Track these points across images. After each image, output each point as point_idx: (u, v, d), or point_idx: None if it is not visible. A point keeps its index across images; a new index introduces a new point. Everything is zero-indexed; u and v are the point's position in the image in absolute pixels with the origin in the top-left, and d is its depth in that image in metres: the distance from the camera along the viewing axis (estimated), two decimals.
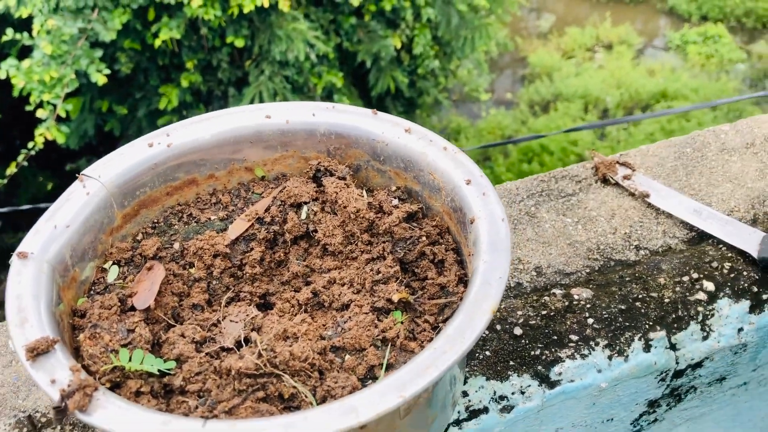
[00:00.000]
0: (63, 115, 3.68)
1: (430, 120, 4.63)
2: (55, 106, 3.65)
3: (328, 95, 4.23)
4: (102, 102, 3.95)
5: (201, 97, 4.03)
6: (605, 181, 0.93)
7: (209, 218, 0.75)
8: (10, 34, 3.55)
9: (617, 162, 0.93)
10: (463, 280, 0.68)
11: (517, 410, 0.73)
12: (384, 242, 0.71)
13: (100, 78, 3.57)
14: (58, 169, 4.52)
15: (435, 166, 0.71)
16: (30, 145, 3.67)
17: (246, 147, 0.77)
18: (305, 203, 0.75)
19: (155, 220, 0.74)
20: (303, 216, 0.75)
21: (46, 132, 3.65)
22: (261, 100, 3.83)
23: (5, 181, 3.70)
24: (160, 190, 0.74)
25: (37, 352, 0.54)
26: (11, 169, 3.71)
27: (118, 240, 0.71)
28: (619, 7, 6.73)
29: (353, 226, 0.72)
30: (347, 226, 0.73)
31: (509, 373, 0.74)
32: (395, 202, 0.74)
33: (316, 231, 0.74)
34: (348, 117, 0.77)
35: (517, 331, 0.77)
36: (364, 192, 0.76)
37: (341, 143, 0.77)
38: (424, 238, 0.70)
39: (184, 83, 3.80)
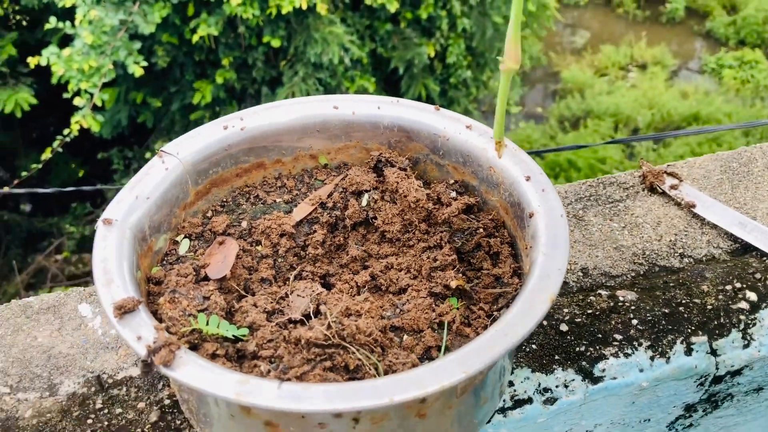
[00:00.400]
0: (99, 104, 3.76)
1: None
2: (92, 95, 3.73)
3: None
4: (137, 93, 4.02)
5: (234, 94, 4.10)
6: (652, 189, 0.95)
7: (275, 200, 0.79)
8: (53, 22, 3.63)
9: (665, 172, 0.95)
10: (518, 273, 0.71)
11: (560, 403, 0.76)
12: (442, 232, 0.74)
13: (137, 70, 3.64)
14: (89, 157, 4.60)
15: (495, 161, 0.74)
16: (65, 131, 3.75)
17: (312, 135, 0.80)
18: (366, 191, 0.79)
19: (224, 199, 0.78)
20: (363, 203, 0.78)
21: (82, 120, 3.73)
22: None
23: (40, 165, 3.78)
24: (231, 171, 0.77)
25: (124, 310, 0.57)
26: (46, 155, 3.79)
27: (190, 215, 0.74)
28: (656, 28, 6.73)
29: (412, 215, 0.76)
30: (406, 214, 0.76)
31: (554, 366, 0.77)
32: (453, 194, 0.77)
33: (375, 218, 0.77)
34: (411, 111, 0.80)
35: (563, 327, 0.80)
36: (422, 184, 0.79)
37: (402, 136, 0.81)
38: (481, 230, 0.73)
39: (219, 80, 3.86)
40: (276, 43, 3.79)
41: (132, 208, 0.67)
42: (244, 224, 0.75)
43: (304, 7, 3.60)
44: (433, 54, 4.06)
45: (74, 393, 0.71)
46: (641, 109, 5.49)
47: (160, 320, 0.61)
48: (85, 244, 4.48)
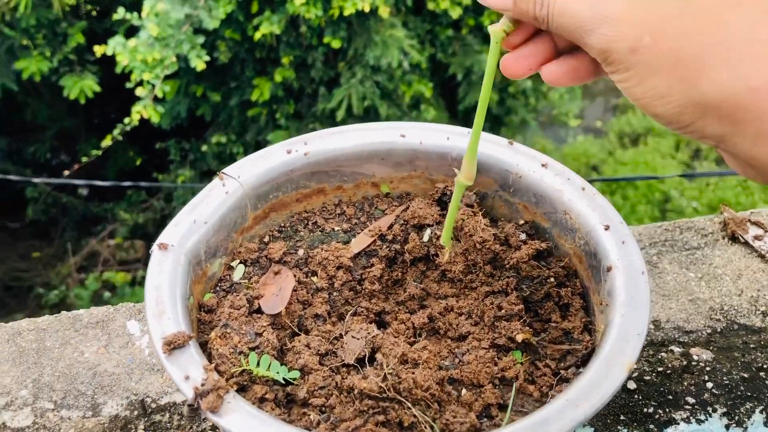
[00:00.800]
0: (160, 95, 3.81)
1: (514, 139, 4.58)
2: (153, 86, 3.79)
3: (416, 104, 4.24)
4: (197, 87, 4.07)
5: (292, 93, 4.10)
6: (734, 238, 0.89)
7: (333, 228, 0.75)
8: (120, 13, 3.70)
9: (748, 220, 0.89)
10: (588, 328, 0.66)
11: None
12: (508, 277, 0.70)
13: (199, 64, 3.68)
14: (147, 147, 4.68)
15: (571, 205, 0.69)
16: (126, 121, 3.82)
17: (376, 163, 0.77)
18: (428, 225, 0.75)
19: (282, 224, 0.75)
20: (425, 238, 0.74)
21: (143, 110, 3.79)
22: (349, 103, 3.87)
23: (99, 152, 3.86)
24: (291, 195, 0.74)
25: (174, 346, 0.55)
26: (106, 142, 3.86)
27: (246, 240, 0.72)
28: None
29: (476, 256, 0.71)
30: (470, 254, 0.72)
31: (619, 427, 0.72)
32: (523, 236, 0.72)
33: (437, 255, 0.73)
34: (483, 144, 0.76)
35: (631, 385, 0.74)
36: (489, 222, 0.75)
37: None
38: (552, 279, 0.68)
39: (278, 78, 3.88)
40: (336, 44, 3.78)
41: (189, 233, 0.65)
42: (301, 252, 0.72)
43: (367, 9, 3.58)
44: None
45: (117, 415, 0.69)
46: None
47: (210, 356, 0.59)
48: (138, 231, 4.57)
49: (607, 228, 0.66)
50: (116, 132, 3.87)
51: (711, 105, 0.39)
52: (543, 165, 0.73)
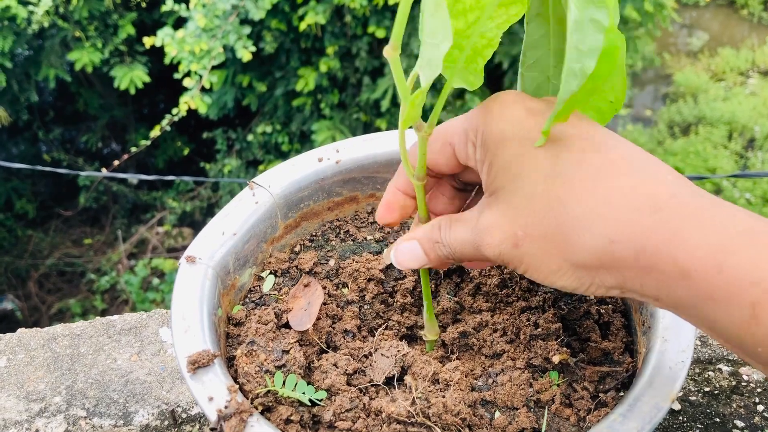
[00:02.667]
0: (207, 86, 3.86)
1: None
2: (201, 76, 3.83)
3: (460, 94, 4.18)
4: (244, 77, 4.10)
5: (336, 82, 4.10)
6: None
7: (365, 238, 0.74)
8: (169, 4, 3.75)
9: None
10: (630, 349, 0.63)
11: None
12: (546, 293, 0.67)
13: (245, 54, 3.71)
14: (194, 136, 4.76)
15: None
16: (174, 111, 3.87)
17: None
18: None
19: (314, 233, 0.73)
20: None
21: (190, 100, 3.84)
22: (394, 92, 3.84)
23: (149, 142, 3.93)
24: (323, 204, 0.73)
25: (198, 365, 0.54)
26: (155, 132, 3.93)
27: (277, 250, 0.71)
28: None
29: (513, 269, 0.69)
30: (506, 268, 0.69)
31: None
32: None
33: (471, 268, 0.71)
34: None
35: (676, 406, 0.71)
36: None
37: None
38: (592, 296, 0.65)
39: (323, 68, 3.87)
40: (381, 33, 3.76)
41: (217, 245, 0.64)
42: (332, 263, 0.71)
43: None
44: None
45: (147, 425, 0.69)
46: (760, 118, 5.09)
47: (236, 372, 0.58)
48: (185, 219, 4.65)
49: None
50: (164, 122, 3.93)
51: (592, 264, 0.44)
52: None
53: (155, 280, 4.22)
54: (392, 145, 0.74)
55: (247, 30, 3.74)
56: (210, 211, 4.52)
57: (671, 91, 5.66)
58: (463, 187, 0.59)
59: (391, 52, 0.45)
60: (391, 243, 0.73)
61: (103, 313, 3.59)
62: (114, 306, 4.14)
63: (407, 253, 0.55)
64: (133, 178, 4.53)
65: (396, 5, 3.70)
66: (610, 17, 0.42)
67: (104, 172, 3.79)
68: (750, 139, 5.12)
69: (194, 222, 4.64)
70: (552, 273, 0.46)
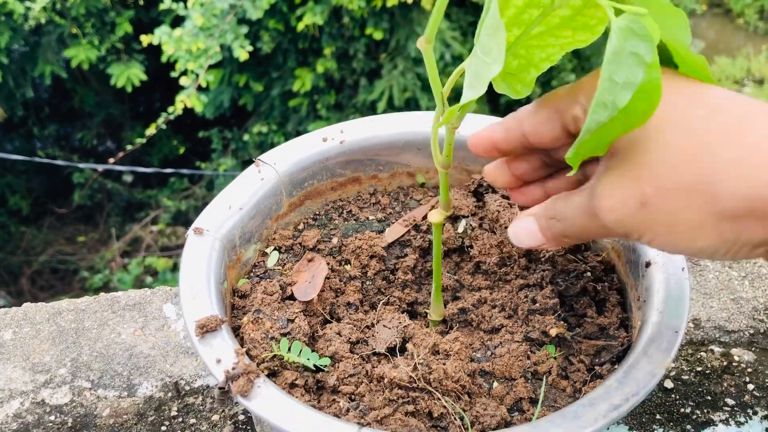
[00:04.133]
0: (204, 85, 3.86)
1: None
2: (197, 75, 3.84)
3: (456, 96, 4.20)
4: (240, 77, 4.11)
5: (333, 83, 4.12)
6: None
7: (368, 217, 0.75)
8: (167, 2, 3.76)
9: None
10: (625, 324, 0.65)
11: None
12: (544, 270, 0.68)
13: (242, 54, 3.72)
14: (190, 135, 4.76)
15: None
16: (170, 109, 3.88)
17: (412, 152, 0.76)
18: (464, 217, 0.74)
19: (317, 212, 0.75)
20: (460, 230, 0.73)
21: (186, 99, 3.85)
22: (390, 94, 3.86)
23: (144, 140, 3.93)
24: (326, 184, 0.74)
25: (206, 329, 0.55)
26: (150, 130, 3.94)
27: (281, 227, 0.72)
28: None
29: (511, 248, 0.70)
30: (505, 247, 0.71)
31: (654, 426, 0.70)
32: None
33: (471, 247, 0.72)
34: None
35: (668, 384, 0.73)
36: None
37: None
38: (588, 273, 0.67)
39: (320, 69, 3.89)
40: (378, 35, 3.78)
41: (224, 218, 0.66)
42: (335, 240, 0.72)
43: (410, 1, 3.57)
44: None
45: (151, 396, 0.71)
46: None
47: (242, 340, 0.59)
48: (180, 218, 4.65)
49: None
50: (160, 120, 3.94)
51: (741, 212, 0.39)
52: None
53: (148, 279, 4.22)
54: (395, 128, 0.76)
55: (244, 29, 3.75)
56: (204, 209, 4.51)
57: None
58: (553, 164, 0.56)
59: (425, 45, 0.47)
60: (393, 223, 0.75)
61: None
62: None
63: (523, 230, 0.52)
64: (129, 172, 4.53)
65: (393, 8, 3.73)
66: (653, 53, 0.40)
67: (100, 168, 3.79)
68: None
69: (188, 221, 4.64)
70: (692, 230, 0.41)
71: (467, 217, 0.74)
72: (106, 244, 4.60)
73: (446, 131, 0.55)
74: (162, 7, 3.75)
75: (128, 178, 4.72)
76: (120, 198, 4.74)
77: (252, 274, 0.69)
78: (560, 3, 0.48)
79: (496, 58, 0.43)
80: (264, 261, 0.70)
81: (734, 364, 0.74)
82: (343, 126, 0.75)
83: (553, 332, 0.63)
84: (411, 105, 3.88)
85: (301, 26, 3.73)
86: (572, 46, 0.51)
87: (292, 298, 0.65)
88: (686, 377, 0.73)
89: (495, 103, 4.24)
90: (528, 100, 4.03)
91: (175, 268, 4.33)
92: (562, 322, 0.64)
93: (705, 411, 0.71)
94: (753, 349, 0.76)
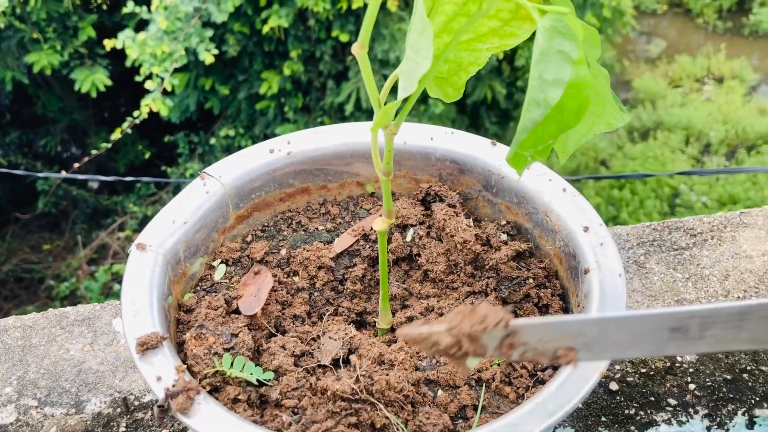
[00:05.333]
0: (169, 88, 3.83)
1: None
2: (162, 79, 3.80)
3: (424, 99, 4.22)
4: (206, 80, 4.08)
5: (300, 86, 4.10)
6: None
7: (317, 228, 0.76)
8: (130, 6, 3.71)
9: None
10: None
11: None
12: (488, 278, 0.69)
13: (207, 57, 3.69)
14: (156, 140, 4.71)
15: (551, 206, 0.69)
16: (135, 114, 3.83)
17: (360, 162, 0.77)
18: (412, 226, 0.75)
19: (266, 224, 0.75)
20: (408, 238, 0.74)
21: (152, 103, 3.81)
22: (358, 96, 3.86)
23: (109, 145, 3.88)
24: (275, 195, 0.75)
25: (147, 346, 0.55)
26: (115, 135, 3.89)
27: (228, 239, 0.72)
28: (736, 40, 6.42)
29: (458, 256, 0.71)
30: (452, 255, 0.72)
31: (600, 429, 0.71)
32: (504, 237, 0.72)
33: (419, 255, 0.73)
34: (466, 145, 0.75)
35: (613, 386, 0.74)
36: (471, 222, 0.75)
37: (454, 169, 0.76)
38: (531, 280, 0.68)
39: (287, 71, 3.88)
40: (344, 37, 3.78)
41: (168, 233, 0.65)
42: (283, 252, 0.72)
43: None
44: (501, 56, 3.97)
45: (99, 413, 0.70)
46: (715, 124, 5.24)
47: (185, 356, 0.59)
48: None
49: (586, 230, 0.66)
50: (125, 125, 3.89)
51: None
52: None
53: (116, 286, 4.17)
54: (342, 138, 0.76)
55: (209, 33, 3.72)
56: None
57: (631, 97, 5.78)
58: None
59: (359, 50, 0.47)
60: (342, 233, 0.75)
61: None
62: None
63: None
64: (93, 180, 4.47)
65: (359, 10, 3.73)
66: (579, 50, 0.41)
67: (63, 174, 3.73)
68: (706, 144, 5.26)
69: None
70: None
71: (415, 225, 0.75)
72: (72, 251, 4.54)
73: (385, 138, 0.55)
74: (125, 10, 3.70)
75: (94, 185, 4.66)
76: (86, 205, 4.67)
77: (198, 288, 0.69)
78: (486, 12, 0.49)
79: (426, 56, 0.43)
80: (211, 274, 0.70)
81: (677, 365, 0.76)
82: (290, 137, 0.75)
83: None
84: None
85: (266, 29, 3.72)
86: (499, 49, 0.53)
87: (237, 312, 0.65)
88: (631, 379, 0.75)
89: (461, 104, 4.27)
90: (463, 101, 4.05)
91: None
92: None
93: (648, 412, 0.72)
94: None
